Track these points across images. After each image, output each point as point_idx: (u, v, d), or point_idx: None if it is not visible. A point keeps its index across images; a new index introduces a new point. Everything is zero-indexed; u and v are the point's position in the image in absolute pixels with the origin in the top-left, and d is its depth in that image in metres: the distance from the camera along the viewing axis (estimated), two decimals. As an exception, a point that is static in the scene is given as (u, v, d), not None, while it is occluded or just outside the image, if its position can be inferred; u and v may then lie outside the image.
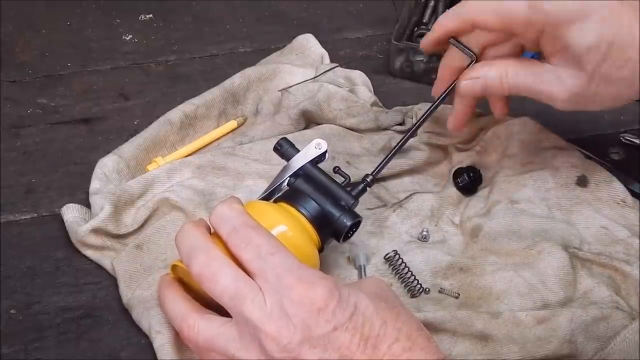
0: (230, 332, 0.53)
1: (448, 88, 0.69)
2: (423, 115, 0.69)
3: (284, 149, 0.66)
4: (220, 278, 0.53)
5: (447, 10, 0.90)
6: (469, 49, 0.67)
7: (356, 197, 0.64)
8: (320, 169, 0.65)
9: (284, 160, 0.66)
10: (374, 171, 0.66)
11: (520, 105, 0.73)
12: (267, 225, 0.58)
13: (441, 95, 0.69)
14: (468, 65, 0.67)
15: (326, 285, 0.52)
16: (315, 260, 0.61)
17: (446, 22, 0.67)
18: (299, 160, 0.65)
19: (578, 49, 0.59)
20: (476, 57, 0.67)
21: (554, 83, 0.62)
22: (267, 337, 0.51)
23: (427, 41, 0.69)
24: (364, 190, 0.66)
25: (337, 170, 0.67)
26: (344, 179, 0.66)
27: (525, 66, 0.64)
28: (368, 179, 0.66)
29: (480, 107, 0.75)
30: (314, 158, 0.65)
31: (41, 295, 0.67)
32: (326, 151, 0.65)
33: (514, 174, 0.74)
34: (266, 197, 0.65)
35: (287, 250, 0.55)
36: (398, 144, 0.68)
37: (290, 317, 0.51)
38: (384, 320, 0.52)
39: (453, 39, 0.68)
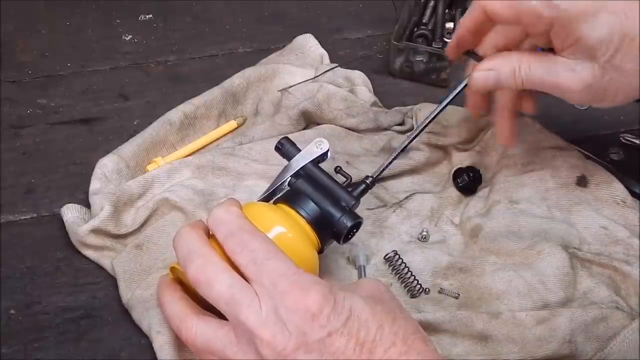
0: (228, 335, 0.53)
1: (459, 88, 0.68)
2: (430, 116, 0.68)
3: (286, 148, 0.66)
4: (215, 283, 0.53)
5: (447, 10, 0.91)
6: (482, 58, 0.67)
7: (357, 198, 0.64)
8: (321, 169, 0.65)
9: (284, 159, 0.66)
10: (376, 173, 0.66)
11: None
12: (265, 227, 0.58)
13: (449, 98, 0.68)
14: None
15: (320, 291, 0.52)
16: (314, 263, 0.61)
17: (464, 20, 0.67)
18: (300, 160, 0.65)
19: (590, 42, 0.59)
20: None
21: (567, 75, 0.61)
22: (262, 343, 0.51)
23: (451, 46, 0.69)
24: (365, 191, 0.65)
25: (338, 170, 0.66)
26: (345, 179, 0.66)
27: (538, 59, 0.63)
28: (368, 181, 0.65)
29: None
30: (316, 158, 0.65)
31: (41, 295, 0.67)
32: (328, 150, 0.65)
33: (514, 174, 0.74)
34: (267, 198, 0.65)
35: (283, 255, 0.54)
36: (402, 146, 0.68)
37: (285, 322, 0.51)
38: (380, 324, 0.52)
39: (468, 51, 0.67)
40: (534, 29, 0.62)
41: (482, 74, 0.64)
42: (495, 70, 0.64)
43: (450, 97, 0.68)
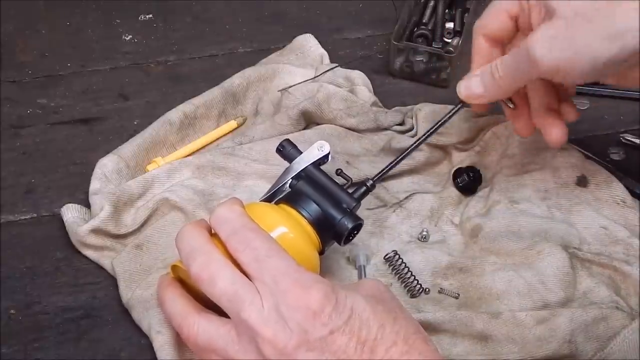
0: (230, 333, 0.54)
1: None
2: (436, 124, 0.69)
3: (287, 150, 0.66)
4: (218, 280, 0.53)
5: (447, 10, 0.91)
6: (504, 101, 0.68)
7: (358, 200, 0.64)
8: (322, 171, 0.65)
9: (285, 161, 0.66)
10: (377, 177, 0.66)
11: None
12: (267, 227, 0.58)
13: (456, 108, 0.69)
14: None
15: (322, 289, 0.52)
16: (316, 263, 0.61)
17: (473, 58, 0.67)
18: (302, 163, 0.65)
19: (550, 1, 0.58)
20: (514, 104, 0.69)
21: (532, 40, 0.59)
22: (264, 341, 0.51)
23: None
24: (365, 194, 0.65)
25: (339, 172, 0.67)
26: (346, 181, 0.66)
27: (510, 51, 0.63)
28: (368, 184, 0.65)
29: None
30: (317, 160, 0.65)
31: (41, 295, 0.67)
32: (329, 153, 0.65)
33: (514, 174, 0.74)
34: (268, 199, 0.65)
35: (285, 253, 0.54)
36: (407, 149, 0.68)
37: (286, 320, 0.51)
38: (382, 323, 0.52)
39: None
40: (522, 18, 0.63)
41: (465, 82, 0.66)
42: (478, 76, 0.65)
43: (456, 108, 0.68)
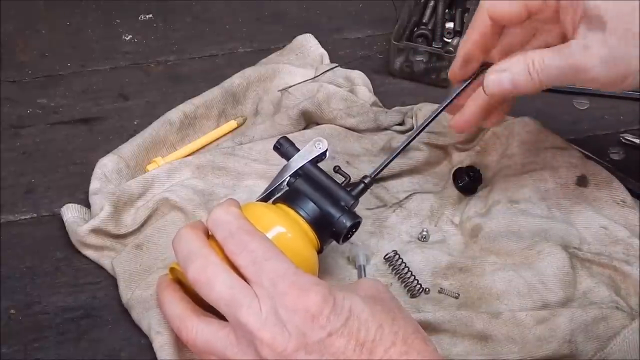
0: (228, 336, 0.53)
1: (461, 89, 0.67)
2: (431, 116, 0.67)
3: (284, 148, 0.66)
4: (215, 284, 0.53)
5: (447, 10, 0.91)
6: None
7: (356, 198, 0.64)
8: (320, 169, 0.65)
9: (283, 159, 0.66)
10: (374, 173, 0.66)
11: (520, 105, 0.73)
12: (265, 227, 0.58)
13: (451, 99, 0.67)
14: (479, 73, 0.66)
15: (320, 292, 0.52)
16: (314, 262, 0.61)
17: (469, 34, 0.65)
18: (299, 160, 0.65)
19: (597, 9, 0.56)
20: None
21: (582, 53, 0.57)
22: (262, 344, 0.51)
23: (454, 68, 0.66)
24: (364, 191, 0.65)
25: (337, 169, 0.66)
26: (344, 179, 0.66)
27: (550, 49, 0.59)
28: (366, 181, 0.65)
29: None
30: (314, 157, 0.65)
31: (41, 295, 0.67)
32: (327, 150, 0.65)
33: (514, 174, 0.74)
34: (266, 198, 0.65)
35: (283, 256, 0.54)
36: (402, 145, 0.67)
37: (284, 323, 0.51)
38: (380, 324, 0.52)
39: (485, 63, 0.65)
40: (543, 14, 0.60)
41: (495, 76, 0.61)
42: (508, 70, 0.60)
43: (450, 99, 0.67)
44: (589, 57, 0.57)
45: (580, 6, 0.57)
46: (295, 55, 0.88)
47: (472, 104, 0.68)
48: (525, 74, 0.60)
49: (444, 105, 0.67)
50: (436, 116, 0.67)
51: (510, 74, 0.60)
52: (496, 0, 0.62)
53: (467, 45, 0.65)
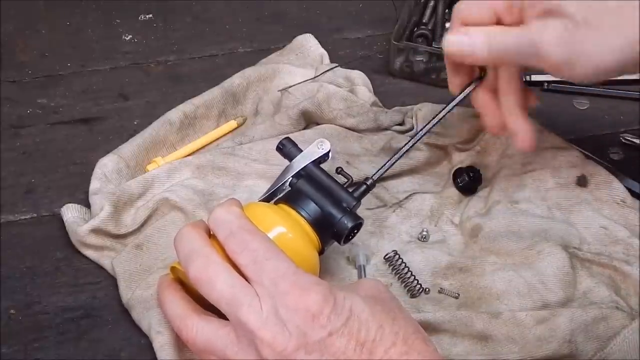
0: (229, 335, 0.54)
1: (464, 92, 0.68)
2: (433, 120, 0.68)
3: (287, 148, 0.66)
4: (216, 283, 0.53)
5: (447, 10, 0.91)
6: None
7: (358, 199, 0.64)
8: (322, 170, 0.65)
9: (285, 159, 0.66)
10: (375, 175, 0.66)
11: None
12: (266, 227, 0.58)
13: (453, 105, 0.68)
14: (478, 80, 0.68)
15: (320, 291, 0.52)
16: (315, 263, 0.61)
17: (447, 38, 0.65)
18: (301, 161, 0.65)
19: (558, 5, 0.57)
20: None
21: (541, 31, 0.58)
22: (262, 343, 0.51)
23: (449, 78, 0.68)
24: (365, 192, 0.65)
25: (339, 171, 0.66)
26: (346, 180, 0.66)
27: (511, 27, 0.61)
28: (368, 182, 0.65)
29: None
30: (317, 158, 0.65)
31: (41, 295, 0.67)
32: (329, 151, 0.65)
33: (514, 174, 0.74)
34: (268, 198, 0.65)
35: (284, 255, 0.54)
36: (402, 149, 0.67)
37: (285, 323, 0.51)
38: (380, 324, 0.52)
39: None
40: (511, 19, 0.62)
41: (456, 37, 0.63)
42: (469, 35, 0.62)
43: (455, 102, 0.68)
44: (546, 34, 0.58)
45: (544, 3, 0.58)
46: (295, 55, 0.88)
47: (518, 122, 0.68)
48: (484, 41, 0.61)
49: (447, 109, 0.67)
50: (439, 120, 0.68)
51: (470, 38, 0.62)
52: (464, 7, 0.64)
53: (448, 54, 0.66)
